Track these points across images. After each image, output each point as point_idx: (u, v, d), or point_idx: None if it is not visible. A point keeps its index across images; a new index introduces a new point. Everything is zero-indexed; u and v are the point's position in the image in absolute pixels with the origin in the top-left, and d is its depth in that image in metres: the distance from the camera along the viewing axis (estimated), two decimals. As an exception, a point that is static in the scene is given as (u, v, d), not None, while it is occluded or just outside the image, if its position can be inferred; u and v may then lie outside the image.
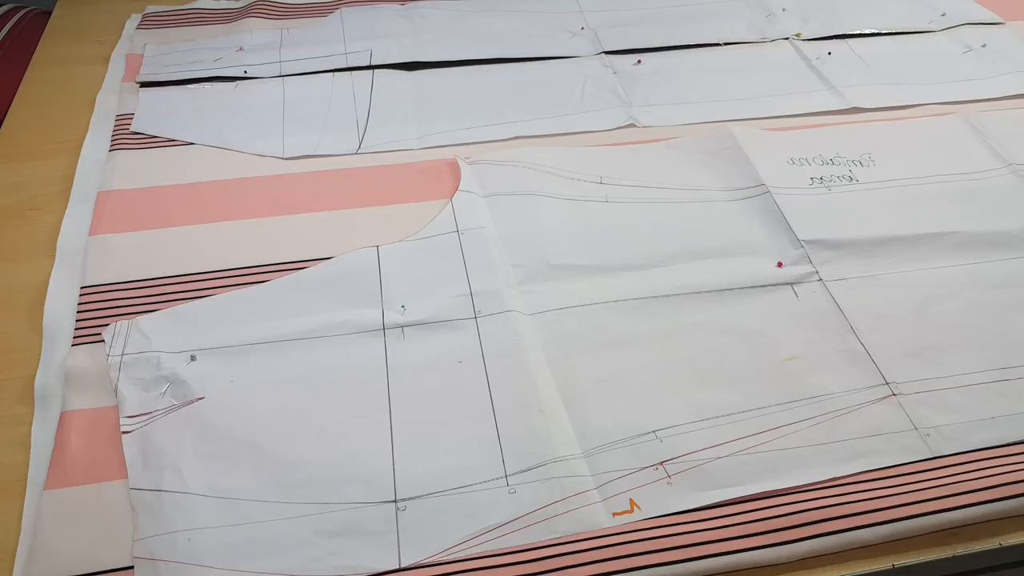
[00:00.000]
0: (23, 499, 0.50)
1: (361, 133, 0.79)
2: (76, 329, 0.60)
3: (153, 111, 0.81)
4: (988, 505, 0.50)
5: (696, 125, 0.81)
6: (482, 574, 0.46)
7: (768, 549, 0.48)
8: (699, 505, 0.50)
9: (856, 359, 0.59)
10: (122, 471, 0.51)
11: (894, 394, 0.56)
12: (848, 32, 0.95)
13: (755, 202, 0.71)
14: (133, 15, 0.97)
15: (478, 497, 0.50)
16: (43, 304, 0.62)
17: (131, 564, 0.47)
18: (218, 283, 0.63)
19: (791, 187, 0.73)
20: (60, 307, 0.62)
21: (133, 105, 0.82)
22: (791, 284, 0.64)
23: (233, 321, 0.60)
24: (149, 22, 0.96)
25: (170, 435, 0.53)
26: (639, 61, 0.90)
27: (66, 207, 0.70)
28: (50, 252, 0.66)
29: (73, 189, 0.72)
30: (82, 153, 0.77)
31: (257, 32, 0.93)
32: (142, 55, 0.89)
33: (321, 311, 0.61)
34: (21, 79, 0.88)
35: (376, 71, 0.88)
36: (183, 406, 0.55)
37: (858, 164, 0.76)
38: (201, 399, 0.55)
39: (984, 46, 0.93)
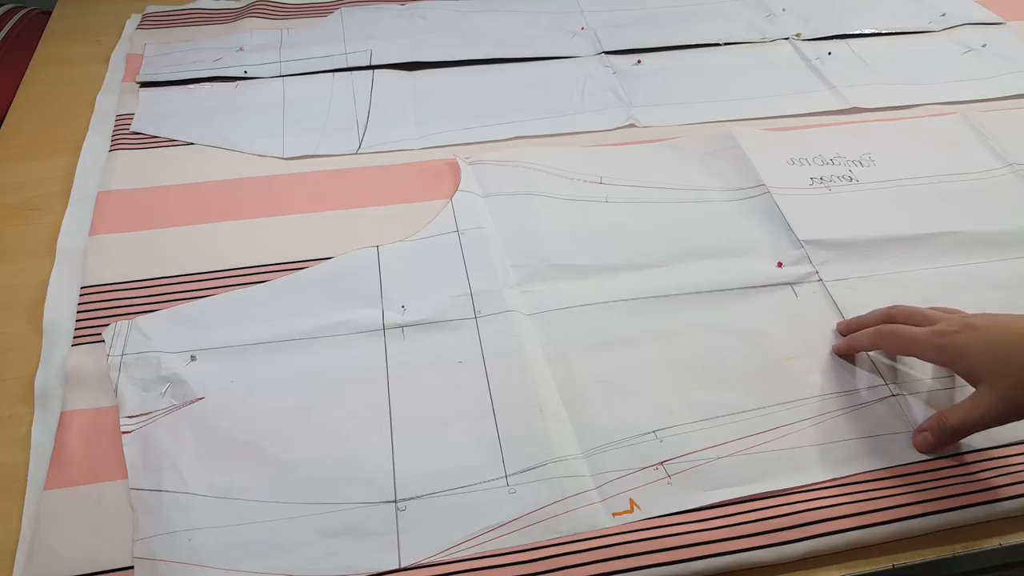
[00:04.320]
0: (23, 499, 0.50)
1: (361, 133, 0.79)
2: (76, 329, 0.60)
3: (153, 111, 0.81)
4: (988, 505, 0.50)
5: (696, 125, 0.81)
6: (482, 574, 0.46)
7: (768, 549, 0.48)
8: (699, 505, 0.50)
9: (856, 359, 0.59)
10: (122, 471, 0.51)
11: (894, 394, 0.56)
12: (848, 32, 0.95)
13: (755, 202, 0.71)
14: (133, 15, 0.97)
15: (478, 497, 0.50)
16: (43, 304, 0.62)
17: (131, 564, 0.47)
18: (218, 283, 0.63)
19: (791, 187, 0.73)
20: (60, 307, 0.62)
21: (133, 105, 0.82)
22: (791, 284, 0.64)
23: (233, 321, 0.60)
24: (149, 22, 0.96)
25: (170, 435, 0.53)
26: (639, 61, 0.90)
27: (66, 207, 0.70)
28: (50, 252, 0.66)
29: (73, 189, 0.72)
30: (82, 153, 0.76)
31: (257, 32, 0.93)
32: (142, 55, 0.89)
33: (321, 311, 0.61)
34: (21, 79, 0.88)
35: (376, 71, 0.88)
36: (183, 406, 0.55)
37: (858, 164, 0.76)
38: (201, 399, 0.55)
39: (984, 46, 0.93)
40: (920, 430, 0.53)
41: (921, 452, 0.52)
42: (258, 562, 0.47)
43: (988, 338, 0.50)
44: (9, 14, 1.17)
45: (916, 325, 0.54)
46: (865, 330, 0.57)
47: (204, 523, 0.49)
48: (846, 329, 0.60)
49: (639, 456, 0.53)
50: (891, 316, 0.57)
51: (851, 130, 0.80)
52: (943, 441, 0.52)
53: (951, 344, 0.51)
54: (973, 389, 0.51)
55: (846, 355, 0.59)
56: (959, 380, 0.57)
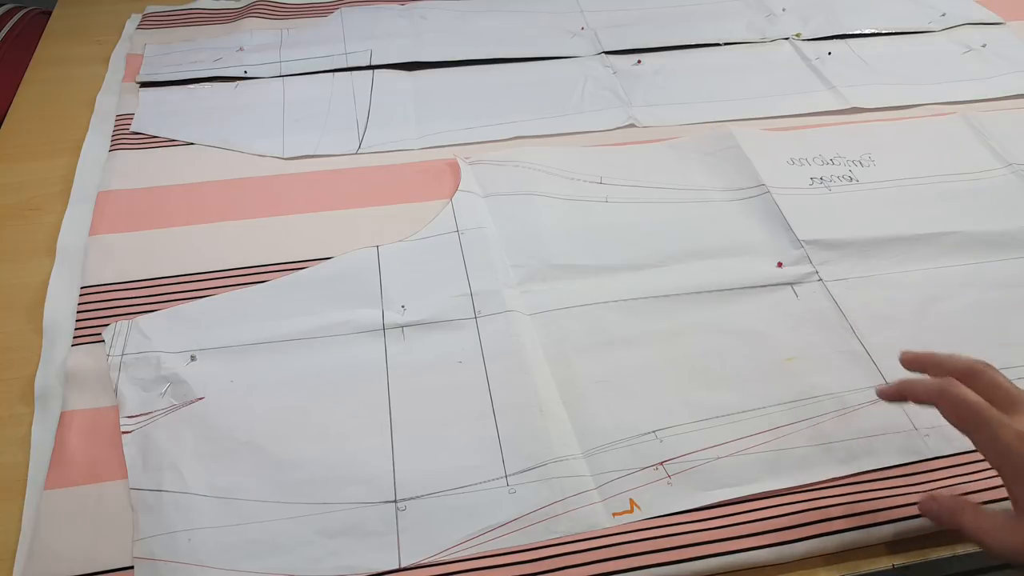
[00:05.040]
0: (23, 499, 0.50)
1: (361, 133, 0.79)
2: (76, 329, 0.60)
3: (153, 111, 0.81)
4: (989, 505, 0.50)
5: (696, 125, 0.81)
6: (482, 574, 0.46)
7: (768, 549, 0.48)
8: (699, 505, 0.50)
9: (856, 359, 0.59)
10: (122, 471, 0.51)
11: (894, 394, 0.56)
12: (848, 32, 0.95)
13: (755, 202, 0.71)
14: (133, 15, 0.97)
15: (478, 497, 0.50)
16: (43, 304, 0.62)
17: (131, 564, 0.47)
18: (218, 283, 0.63)
19: (791, 187, 0.73)
20: (60, 307, 0.62)
21: (133, 105, 0.82)
22: (791, 284, 0.64)
23: (233, 321, 0.60)
24: (149, 22, 0.96)
25: (170, 435, 0.53)
26: (639, 61, 0.90)
27: (66, 207, 0.70)
28: (50, 252, 0.66)
29: (73, 189, 0.72)
30: (82, 153, 0.76)
31: (257, 32, 0.93)
32: (142, 55, 0.89)
33: (321, 311, 0.61)
34: (21, 79, 0.88)
35: (376, 71, 0.88)
36: (183, 406, 0.55)
37: (858, 164, 0.76)
38: (201, 399, 0.55)
39: (984, 46, 0.93)
40: (933, 498, 0.47)
41: (921, 512, 0.48)
42: (258, 562, 0.47)
43: None
44: (9, 14, 1.17)
45: (993, 400, 0.44)
46: (929, 381, 0.46)
47: (204, 523, 0.49)
48: (911, 362, 0.49)
49: (639, 456, 0.53)
50: (972, 373, 0.46)
51: (851, 130, 0.80)
52: (944, 525, 0.47)
53: None
54: None
55: (892, 400, 0.49)
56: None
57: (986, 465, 0.51)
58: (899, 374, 0.57)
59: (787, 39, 0.94)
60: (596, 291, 0.63)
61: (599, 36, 0.94)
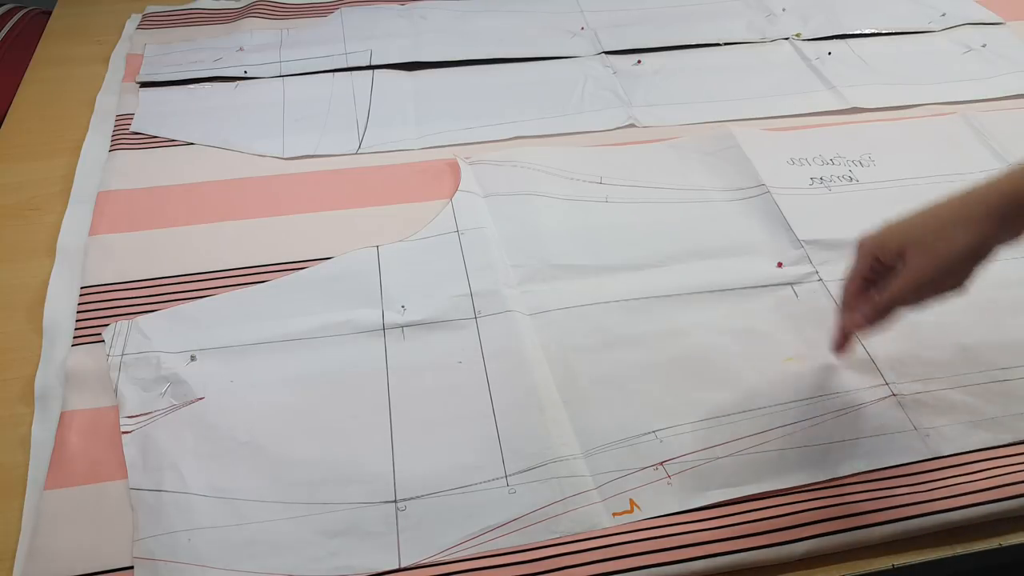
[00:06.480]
0: (23, 499, 0.50)
1: (361, 133, 0.79)
2: (76, 329, 0.60)
3: (153, 111, 0.81)
4: (988, 505, 0.50)
5: (696, 125, 0.81)
6: (482, 574, 0.46)
7: (768, 549, 0.48)
8: (699, 505, 0.50)
9: (856, 359, 0.59)
10: (122, 471, 0.51)
11: (894, 394, 0.56)
12: (848, 32, 0.95)
13: (755, 202, 0.71)
14: (133, 15, 0.97)
15: (478, 497, 0.50)
16: (43, 304, 0.62)
17: (131, 564, 0.47)
18: (218, 283, 0.63)
19: (791, 187, 0.73)
20: (60, 307, 0.62)
21: (133, 105, 0.82)
22: (791, 284, 0.64)
23: (233, 321, 0.60)
24: (149, 22, 0.96)
25: (170, 435, 0.53)
26: (639, 61, 0.90)
27: (66, 207, 0.70)
28: (50, 252, 0.66)
29: (73, 189, 0.72)
30: (82, 153, 0.77)
31: (257, 32, 0.93)
32: (142, 55, 0.89)
33: (321, 311, 0.61)
34: (21, 79, 0.88)
35: (376, 71, 0.88)
36: (183, 406, 0.55)
37: (858, 164, 0.76)
38: (201, 399, 0.55)
39: (984, 46, 0.93)
40: (853, 310, 0.53)
41: (848, 329, 0.54)
42: (258, 562, 0.47)
43: (914, 220, 0.51)
44: (9, 14, 1.17)
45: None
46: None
47: (204, 523, 0.48)
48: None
49: (639, 456, 0.53)
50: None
51: (851, 130, 0.80)
52: (876, 318, 0.52)
53: (876, 234, 0.51)
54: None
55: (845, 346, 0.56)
56: (958, 380, 0.57)
57: (985, 465, 0.52)
58: (898, 375, 0.57)
59: (787, 39, 0.94)
60: (596, 291, 0.63)
61: (599, 36, 0.94)
